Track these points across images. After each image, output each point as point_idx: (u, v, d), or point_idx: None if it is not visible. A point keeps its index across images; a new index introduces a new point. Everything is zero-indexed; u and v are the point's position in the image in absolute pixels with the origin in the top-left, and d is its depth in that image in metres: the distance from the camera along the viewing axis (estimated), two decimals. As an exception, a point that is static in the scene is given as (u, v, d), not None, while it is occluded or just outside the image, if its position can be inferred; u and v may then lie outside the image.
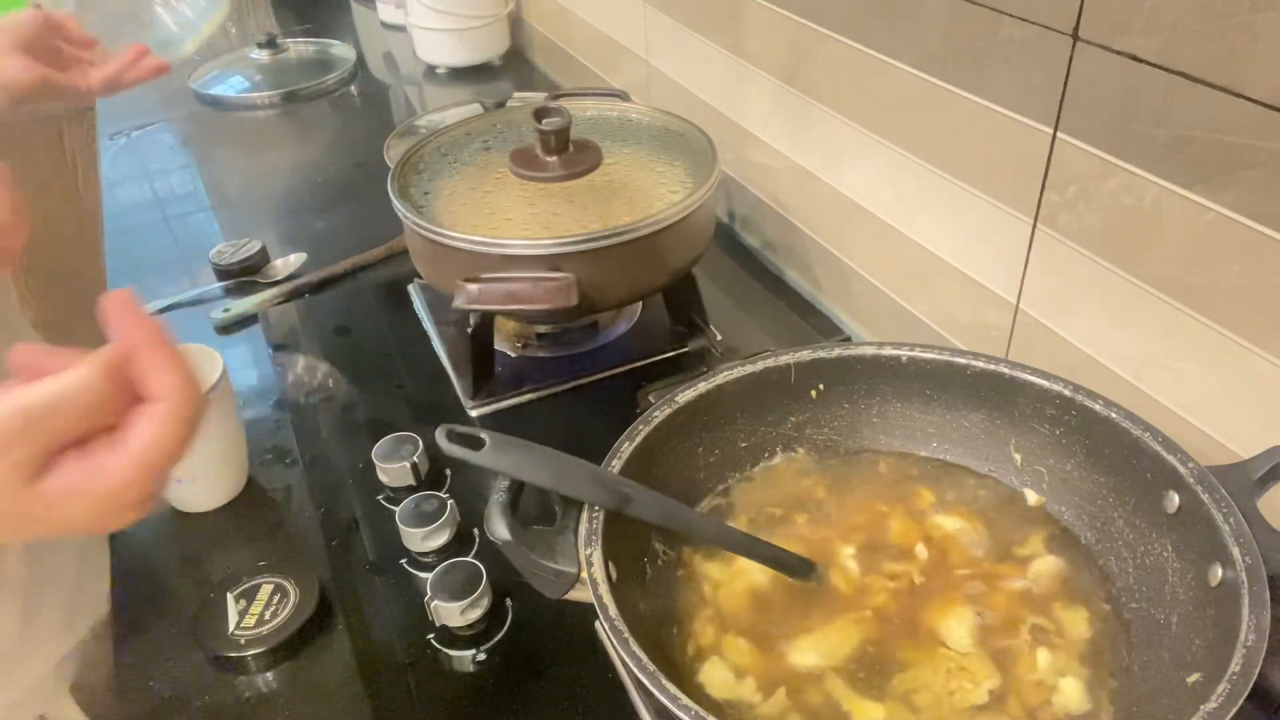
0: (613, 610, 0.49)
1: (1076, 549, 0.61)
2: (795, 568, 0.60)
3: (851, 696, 0.53)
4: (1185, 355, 0.61)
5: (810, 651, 0.56)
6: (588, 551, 0.52)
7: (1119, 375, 0.66)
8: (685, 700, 0.44)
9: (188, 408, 0.38)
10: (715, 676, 0.55)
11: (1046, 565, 0.60)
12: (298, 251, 1.13)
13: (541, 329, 0.95)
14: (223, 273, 1.10)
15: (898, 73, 0.78)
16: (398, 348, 0.97)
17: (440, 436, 0.51)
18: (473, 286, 0.76)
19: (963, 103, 0.72)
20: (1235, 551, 0.49)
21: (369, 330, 1.00)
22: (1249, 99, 0.51)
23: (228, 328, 1.03)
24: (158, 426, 0.38)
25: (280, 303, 1.05)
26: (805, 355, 0.66)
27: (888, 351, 0.66)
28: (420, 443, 0.79)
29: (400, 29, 1.73)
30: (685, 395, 0.63)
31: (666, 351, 0.93)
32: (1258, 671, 0.44)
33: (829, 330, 0.97)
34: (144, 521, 0.79)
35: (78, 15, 0.96)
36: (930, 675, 0.54)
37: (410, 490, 0.77)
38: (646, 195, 0.84)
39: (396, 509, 0.74)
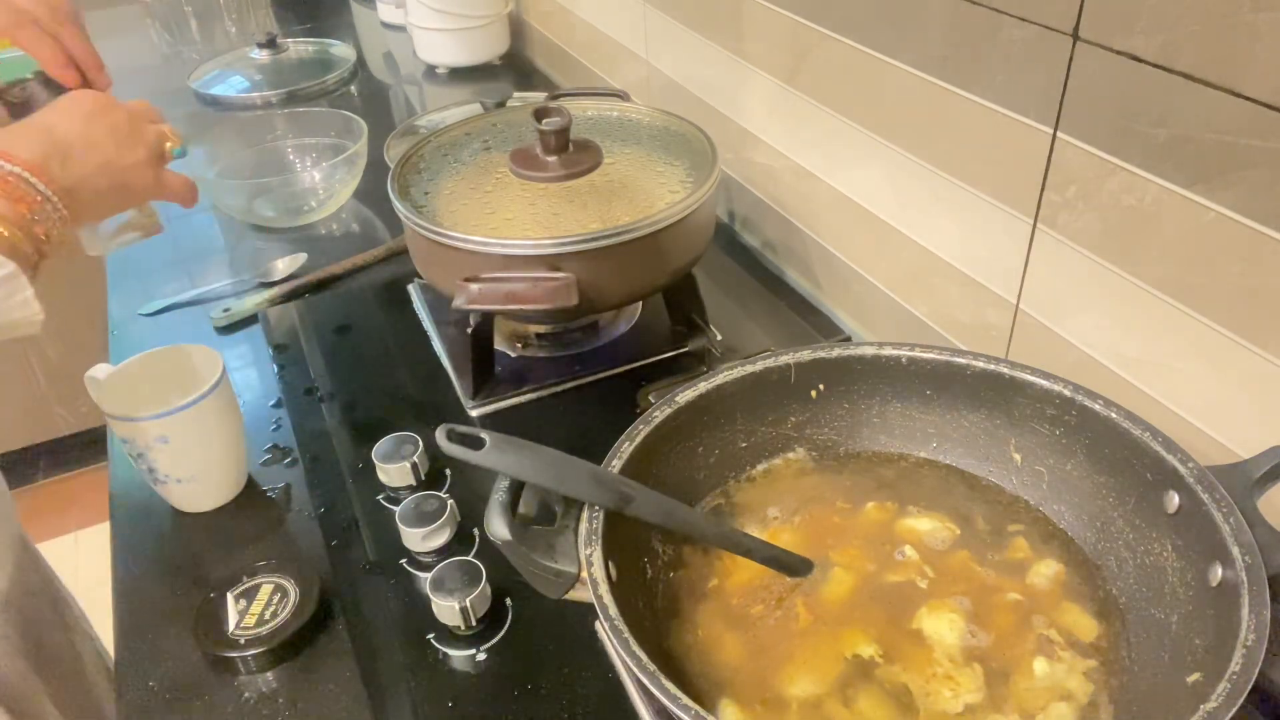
0: (613, 610, 0.49)
1: (1076, 549, 0.61)
2: (794, 567, 0.60)
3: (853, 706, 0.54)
4: (1185, 355, 0.61)
5: (805, 677, 0.55)
6: (588, 551, 0.52)
7: (1119, 375, 0.66)
8: (685, 700, 0.44)
9: None
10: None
11: (1046, 565, 0.60)
12: (297, 252, 1.13)
13: (541, 329, 0.95)
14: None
15: (898, 73, 0.78)
16: (398, 348, 0.97)
17: (440, 436, 0.51)
18: (473, 286, 0.76)
19: (963, 103, 0.72)
20: (1235, 551, 0.49)
21: (369, 330, 1.00)
22: (1249, 99, 0.51)
23: (228, 328, 1.03)
24: None
25: (280, 303, 1.05)
26: (805, 355, 0.66)
27: (888, 351, 0.66)
28: (420, 443, 0.79)
29: (400, 29, 1.73)
30: (685, 395, 0.63)
31: (666, 351, 0.93)
32: (1258, 671, 0.44)
33: (829, 330, 0.97)
34: (144, 521, 0.80)
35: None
36: (925, 677, 0.54)
37: (410, 490, 0.77)
38: (646, 195, 0.84)
39: (396, 509, 0.74)
